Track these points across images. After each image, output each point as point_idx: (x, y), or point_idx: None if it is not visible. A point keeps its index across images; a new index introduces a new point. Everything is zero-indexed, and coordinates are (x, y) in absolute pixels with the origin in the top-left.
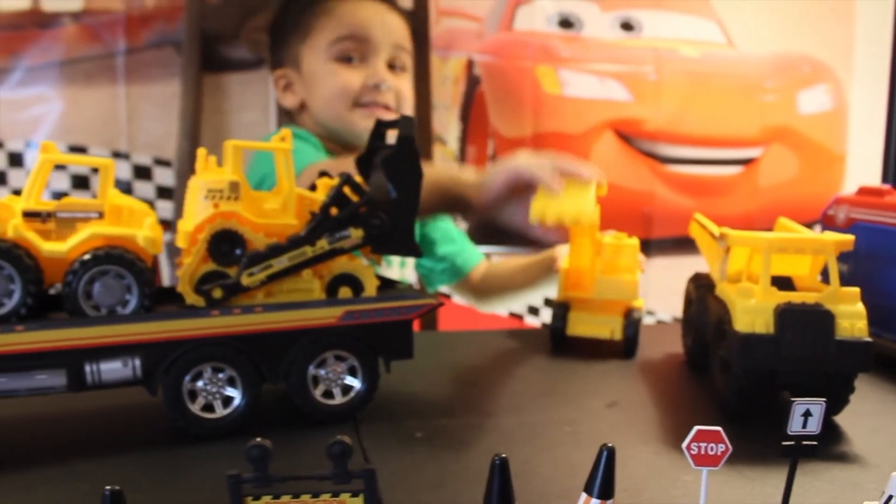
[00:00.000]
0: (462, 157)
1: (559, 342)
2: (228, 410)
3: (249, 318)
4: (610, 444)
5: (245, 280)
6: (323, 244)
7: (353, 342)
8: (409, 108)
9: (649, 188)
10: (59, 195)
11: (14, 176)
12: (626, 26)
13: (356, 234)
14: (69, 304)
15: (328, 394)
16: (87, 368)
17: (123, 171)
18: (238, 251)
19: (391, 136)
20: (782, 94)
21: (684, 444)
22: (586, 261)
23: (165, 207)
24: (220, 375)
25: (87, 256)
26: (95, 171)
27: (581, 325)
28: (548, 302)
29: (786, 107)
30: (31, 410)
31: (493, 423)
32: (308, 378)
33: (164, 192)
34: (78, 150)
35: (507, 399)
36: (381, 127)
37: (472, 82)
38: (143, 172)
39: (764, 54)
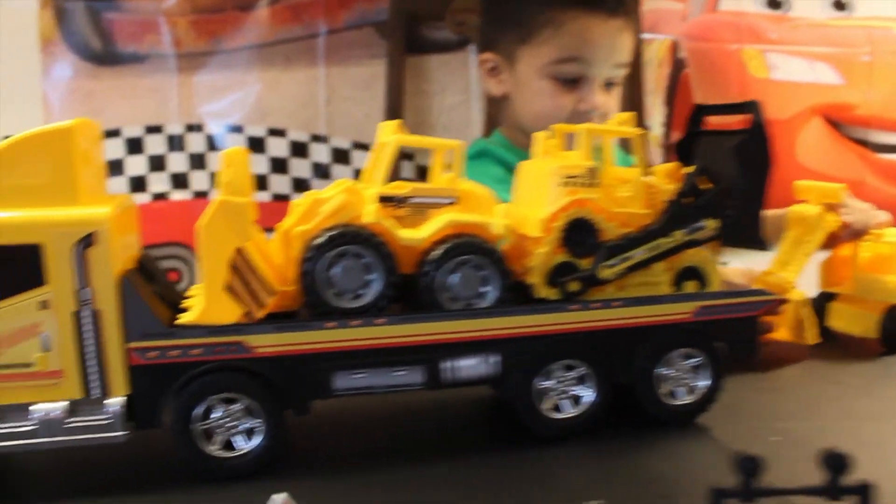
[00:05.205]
0: (667, 142)
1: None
2: (579, 410)
3: (607, 312)
4: None
5: (603, 273)
6: (678, 236)
7: (703, 339)
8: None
9: (859, 177)
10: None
11: (212, 159)
12: (838, 5)
13: (711, 225)
14: (426, 297)
15: (670, 393)
16: (444, 365)
17: (322, 154)
18: (591, 241)
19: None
20: None
21: None
22: (848, 252)
23: None
24: (570, 374)
25: (448, 245)
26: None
27: (838, 319)
28: None
29: None
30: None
31: (846, 427)
32: (655, 376)
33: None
34: (276, 133)
35: (833, 401)
36: (700, 113)
37: (677, 66)
38: (341, 156)
39: None
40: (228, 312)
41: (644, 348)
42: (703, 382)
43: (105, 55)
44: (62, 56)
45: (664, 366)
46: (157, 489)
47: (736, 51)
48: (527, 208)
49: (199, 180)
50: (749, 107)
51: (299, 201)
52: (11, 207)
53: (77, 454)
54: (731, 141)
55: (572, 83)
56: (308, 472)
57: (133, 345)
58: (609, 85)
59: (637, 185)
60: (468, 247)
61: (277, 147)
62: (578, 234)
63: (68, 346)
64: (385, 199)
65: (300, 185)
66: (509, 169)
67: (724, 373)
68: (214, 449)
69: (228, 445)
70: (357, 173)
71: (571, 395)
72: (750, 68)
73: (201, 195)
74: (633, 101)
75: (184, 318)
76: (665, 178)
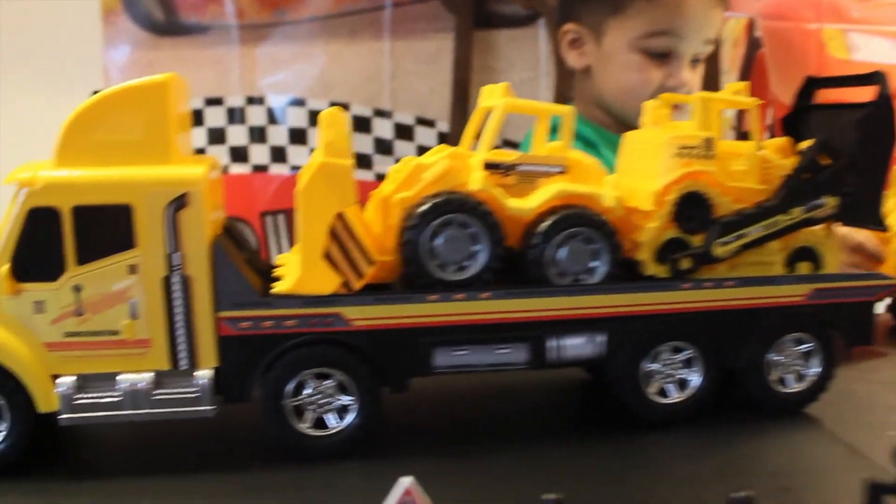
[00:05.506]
0: (738, 124)
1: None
2: (685, 395)
3: (720, 292)
4: None
5: (717, 250)
6: (797, 213)
7: (817, 323)
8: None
9: None
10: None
11: (273, 133)
12: None
13: (830, 202)
14: (534, 271)
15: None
16: (550, 343)
17: (385, 129)
18: (704, 216)
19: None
20: None
21: None
22: None
23: None
24: (678, 356)
25: (557, 217)
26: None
27: None
28: None
29: None
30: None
31: None
32: (766, 362)
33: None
34: (339, 106)
35: None
36: (811, 86)
37: (753, 45)
38: (404, 132)
39: None
40: (326, 282)
41: (755, 331)
42: (814, 370)
43: (167, 26)
44: (124, 26)
45: (775, 351)
46: (245, 467)
47: (815, 30)
48: (635, 180)
49: (258, 154)
50: (873, 78)
51: (398, 167)
52: (101, 165)
53: (162, 428)
54: (854, 115)
55: (662, 58)
56: (415, 453)
57: (224, 314)
58: (695, 62)
59: (752, 160)
60: (579, 219)
61: None
62: (691, 208)
63: (157, 314)
64: (491, 167)
65: (362, 161)
66: (586, 144)
67: (835, 359)
68: (305, 426)
69: (320, 423)
70: (420, 150)
71: (678, 378)
72: (830, 49)
73: (260, 169)
74: (712, 79)
75: (278, 287)
76: (777, 153)
